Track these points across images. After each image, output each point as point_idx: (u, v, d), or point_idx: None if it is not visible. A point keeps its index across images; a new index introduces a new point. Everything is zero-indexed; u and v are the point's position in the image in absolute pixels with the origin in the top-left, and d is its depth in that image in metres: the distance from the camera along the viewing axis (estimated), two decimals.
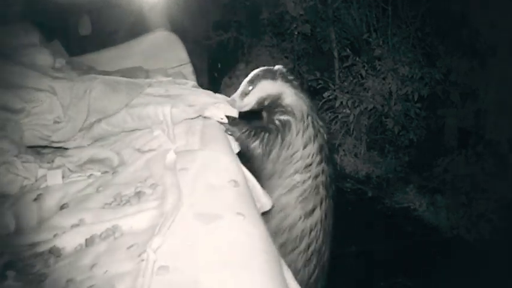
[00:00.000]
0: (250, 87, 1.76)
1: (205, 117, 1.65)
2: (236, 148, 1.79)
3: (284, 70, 1.83)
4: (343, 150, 3.89)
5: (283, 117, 1.79)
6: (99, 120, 1.55)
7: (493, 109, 3.15)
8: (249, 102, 1.76)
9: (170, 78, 2.07)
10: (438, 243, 2.79)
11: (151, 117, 1.50)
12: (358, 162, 3.80)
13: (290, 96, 1.80)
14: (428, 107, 3.68)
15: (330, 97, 3.89)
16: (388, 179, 3.59)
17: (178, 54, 2.73)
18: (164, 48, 2.71)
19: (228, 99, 1.79)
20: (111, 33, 3.25)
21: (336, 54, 4.24)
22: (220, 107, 1.65)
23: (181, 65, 2.72)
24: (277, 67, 1.83)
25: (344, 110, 3.83)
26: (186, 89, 1.77)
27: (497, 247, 2.58)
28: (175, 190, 1.08)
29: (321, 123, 1.87)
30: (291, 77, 1.83)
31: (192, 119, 1.59)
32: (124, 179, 1.26)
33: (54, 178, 1.29)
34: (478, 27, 3.16)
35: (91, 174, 1.34)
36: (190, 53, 2.91)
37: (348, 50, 3.88)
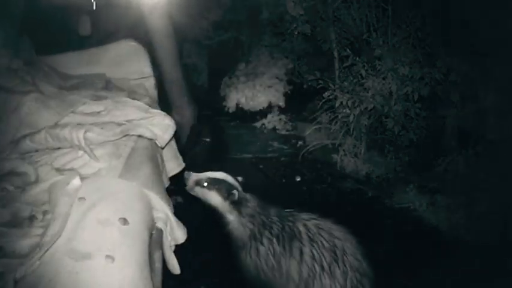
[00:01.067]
0: (205, 184, 1.80)
1: (139, 136, 1.64)
2: (176, 168, 1.79)
3: (236, 197, 1.83)
4: (343, 150, 3.89)
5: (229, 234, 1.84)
6: (24, 136, 1.56)
7: (493, 109, 3.15)
8: (197, 194, 1.82)
9: (125, 93, 2.06)
10: (438, 243, 2.78)
11: (68, 140, 1.50)
12: (358, 162, 3.80)
13: (233, 223, 1.83)
14: (428, 107, 3.67)
15: (330, 97, 3.89)
16: (388, 179, 3.58)
17: (142, 66, 2.74)
18: (129, 59, 2.72)
19: (163, 113, 1.79)
20: (111, 33, 3.25)
21: (336, 54, 4.24)
22: (153, 123, 1.64)
23: (143, 77, 2.73)
24: (234, 190, 1.84)
25: (344, 110, 3.82)
26: (119, 107, 1.75)
27: (497, 247, 2.57)
28: (60, 221, 1.07)
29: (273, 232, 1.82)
30: (243, 206, 1.84)
31: (117, 139, 1.59)
32: (27, 198, 1.27)
33: None
34: (478, 27, 3.15)
35: (4, 188, 1.32)
36: (190, 53, 2.91)
37: (348, 50, 3.87)
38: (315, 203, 3.27)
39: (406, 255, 2.61)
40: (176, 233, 1.44)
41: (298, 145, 4.52)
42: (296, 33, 4.45)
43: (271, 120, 5.17)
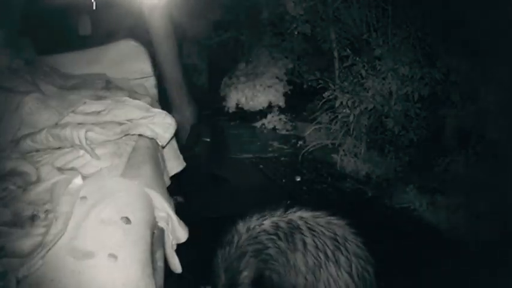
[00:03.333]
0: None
1: (139, 136, 1.64)
2: (177, 167, 1.78)
3: None
4: (343, 150, 3.89)
5: None
6: (25, 136, 1.56)
7: (493, 109, 3.14)
8: None
9: (125, 92, 2.06)
10: (438, 243, 2.78)
11: (69, 140, 1.50)
12: (358, 162, 3.80)
13: None
14: (428, 107, 3.67)
15: (330, 97, 3.89)
16: (388, 179, 3.58)
17: (142, 66, 2.74)
18: (129, 59, 2.72)
19: (164, 112, 1.78)
20: (111, 33, 3.25)
21: (336, 54, 4.24)
22: (154, 122, 1.64)
23: (144, 77, 2.73)
24: None
25: (344, 110, 3.82)
26: (120, 106, 1.75)
27: (497, 247, 2.57)
28: (62, 220, 1.07)
29: None
30: None
31: (117, 139, 1.59)
32: (29, 198, 1.26)
33: None
34: (478, 27, 3.15)
35: (6, 188, 1.32)
36: (190, 53, 2.91)
37: (348, 50, 3.87)
38: (315, 203, 3.26)
39: (406, 255, 2.61)
40: (178, 232, 1.44)
41: (298, 145, 4.52)
42: (296, 33, 4.46)
43: (271, 120, 5.17)
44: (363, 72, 3.72)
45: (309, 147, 4.11)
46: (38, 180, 1.36)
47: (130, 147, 1.57)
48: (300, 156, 4.06)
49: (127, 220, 1.15)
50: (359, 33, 3.98)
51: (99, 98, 1.85)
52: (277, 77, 5.27)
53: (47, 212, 1.16)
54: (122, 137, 1.59)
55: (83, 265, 0.95)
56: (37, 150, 1.55)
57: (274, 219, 1.88)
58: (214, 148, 4.16)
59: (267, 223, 1.87)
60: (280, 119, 5.17)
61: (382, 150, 3.85)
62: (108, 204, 1.19)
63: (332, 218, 1.85)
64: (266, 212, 1.93)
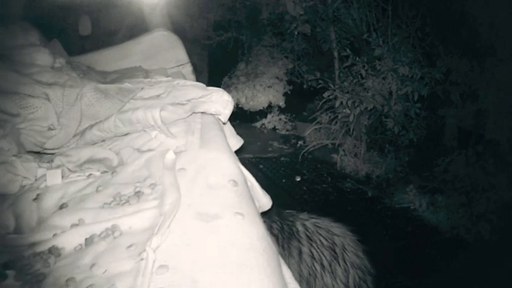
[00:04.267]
0: None
1: (202, 113, 1.64)
2: (236, 145, 1.78)
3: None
4: (343, 150, 3.90)
5: None
6: (90, 127, 1.55)
7: (493, 109, 3.15)
8: None
9: (169, 78, 2.06)
10: (438, 243, 2.78)
11: (142, 122, 1.49)
12: (358, 162, 3.80)
13: None
14: (428, 107, 3.68)
15: (330, 97, 3.89)
16: (388, 179, 3.59)
17: (177, 54, 2.73)
18: (163, 48, 2.71)
19: (221, 90, 1.78)
20: (111, 33, 3.26)
21: (336, 54, 4.25)
22: (212, 100, 1.64)
23: (180, 65, 2.73)
24: None
25: (344, 110, 3.83)
26: (178, 88, 1.76)
27: (497, 247, 2.58)
28: (174, 190, 1.07)
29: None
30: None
31: (187, 116, 1.59)
32: (123, 178, 1.26)
33: (54, 178, 1.29)
34: (478, 27, 3.15)
35: (90, 174, 1.33)
36: (190, 53, 2.91)
37: (348, 50, 3.88)
38: (315, 203, 3.27)
39: (406, 255, 2.61)
40: (262, 200, 1.43)
41: (298, 145, 4.52)
42: (296, 33, 4.46)
43: (271, 120, 5.17)
44: (363, 72, 3.72)
45: (309, 147, 4.11)
46: (121, 163, 1.36)
47: (199, 124, 1.57)
48: (300, 156, 4.06)
49: (234, 183, 1.16)
50: (359, 33, 3.98)
51: (153, 83, 1.84)
52: (277, 77, 5.27)
53: (152, 186, 1.16)
54: (189, 116, 1.59)
55: (216, 226, 0.96)
56: (103, 140, 1.55)
57: (277, 218, 1.88)
58: None
59: (268, 222, 1.87)
60: (280, 119, 5.18)
61: (382, 150, 3.86)
62: (211, 171, 1.20)
63: (334, 225, 1.84)
64: (273, 211, 1.93)
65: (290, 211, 1.95)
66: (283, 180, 3.70)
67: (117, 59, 2.58)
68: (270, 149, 4.48)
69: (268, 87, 5.21)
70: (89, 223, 1.04)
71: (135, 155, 1.39)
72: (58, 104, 1.59)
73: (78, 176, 1.33)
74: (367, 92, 3.68)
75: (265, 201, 1.45)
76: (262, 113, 5.30)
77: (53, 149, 1.53)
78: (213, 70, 5.96)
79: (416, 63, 3.58)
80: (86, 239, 0.98)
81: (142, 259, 0.83)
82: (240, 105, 5.31)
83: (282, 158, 4.21)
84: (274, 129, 5.09)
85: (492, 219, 2.75)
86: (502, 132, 3.01)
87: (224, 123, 1.83)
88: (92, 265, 0.88)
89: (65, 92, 1.61)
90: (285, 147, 4.54)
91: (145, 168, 1.28)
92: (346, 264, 1.73)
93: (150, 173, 1.25)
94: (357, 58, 3.79)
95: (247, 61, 5.52)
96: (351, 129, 3.82)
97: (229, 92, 5.29)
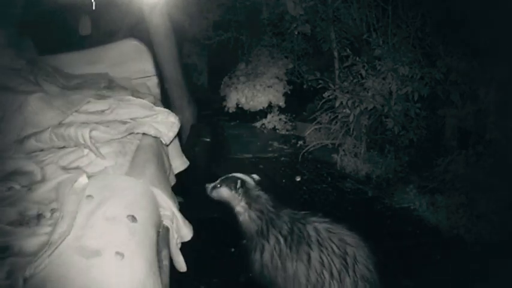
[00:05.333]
0: (218, 185, 1.96)
1: (144, 134, 1.64)
2: (181, 166, 1.79)
3: (239, 185, 1.93)
4: (343, 150, 3.89)
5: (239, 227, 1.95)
6: (29, 136, 1.55)
7: (493, 109, 3.15)
8: (214, 196, 1.99)
9: (128, 91, 2.06)
10: (438, 243, 2.78)
11: (73, 139, 1.50)
12: (358, 162, 3.80)
13: (242, 215, 1.92)
14: (428, 107, 3.68)
15: (330, 97, 3.89)
16: (388, 179, 3.58)
17: (144, 65, 2.74)
18: (131, 58, 2.72)
19: (167, 111, 1.79)
20: (111, 33, 3.26)
21: (336, 54, 4.25)
22: (157, 121, 1.64)
23: (146, 76, 2.73)
24: (239, 180, 1.94)
25: (344, 110, 3.82)
26: (122, 105, 1.75)
27: (497, 247, 2.57)
28: (68, 220, 1.07)
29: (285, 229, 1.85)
30: (253, 200, 1.91)
31: (122, 137, 1.58)
32: (34, 197, 1.26)
33: None
34: (478, 27, 3.15)
35: (11, 187, 1.32)
36: (190, 53, 2.91)
37: (348, 50, 3.87)
38: (315, 203, 3.27)
39: (406, 255, 2.61)
40: (182, 231, 1.44)
41: (298, 145, 4.52)
42: (296, 33, 4.46)
43: (271, 120, 5.17)
44: (363, 72, 3.72)
45: (309, 147, 4.11)
46: (43, 180, 1.36)
47: (135, 146, 1.57)
48: (300, 156, 4.06)
49: (133, 218, 1.15)
50: (359, 33, 3.98)
51: (102, 97, 1.84)
52: (277, 77, 5.27)
53: (52, 210, 1.16)
54: (126, 136, 1.59)
55: (90, 263, 0.95)
56: (41, 150, 1.55)
57: (287, 219, 1.87)
58: (214, 148, 4.15)
59: (286, 219, 1.88)
60: (280, 119, 5.17)
61: (382, 150, 3.85)
62: (114, 203, 1.19)
63: (347, 233, 1.82)
64: (284, 211, 1.94)
65: (304, 212, 1.94)
66: (283, 180, 3.70)
67: (85, 63, 2.58)
68: (270, 149, 4.48)
69: (268, 87, 5.21)
70: None
71: (57, 173, 1.40)
72: (3, 108, 1.59)
73: (1, 186, 1.33)
74: (367, 92, 3.68)
75: (185, 233, 1.45)
76: (262, 113, 5.29)
77: None
78: (213, 70, 5.96)
79: (416, 63, 3.58)
80: None
81: (12, 287, 0.83)
82: (240, 105, 5.31)
83: (282, 158, 4.21)
84: (274, 129, 5.08)
85: (492, 219, 2.75)
86: (502, 132, 3.01)
87: (167, 145, 1.84)
88: None
89: (10, 98, 1.61)
90: (285, 147, 4.54)
91: (55, 191, 1.27)
92: (356, 276, 1.70)
93: (57, 196, 1.25)
94: (357, 58, 3.79)
95: (247, 61, 5.52)
96: (351, 129, 3.82)
97: (229, 92, 5.30)
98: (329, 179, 3.70)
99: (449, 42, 3.46)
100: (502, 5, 2.89)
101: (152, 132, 1.61)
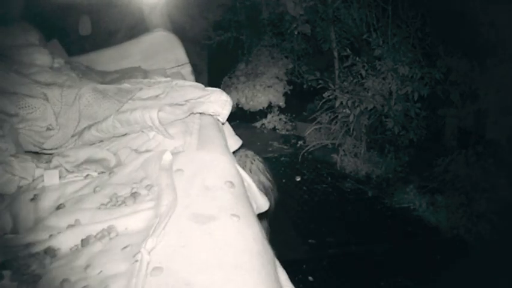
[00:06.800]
0: None
1: (201, 114, 1.64)
2: (235, 145, 1.78)
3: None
4: (343, 150, 3.89)
5: None
6: (89, 127, 1.55)
7: (493, 109, 3.14)
8: None
9: (168, 79, 2.06)
10: (438, 243, 2.78)
11: (139, 123, 1.49)
12: (358, 162, 3.80)
13: None
14: (428, 107, 3.67)
15: (330, 97, 3.89)
16: (388, 179, 3.58)
17: (177, 54, 2.74)
18: (163, 49, 2.72)
19: (219, 90, 1.78)
20: (111, 33, 3.26)
21: (336, 54, 4.25)
22: (210, 100, 1.63)
23: (179, 65, 2.73)
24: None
25: (344, 110, 3.82)
26: (176, 88, 1.76)
27: (497, 247, 2.57)
28: (171, 191, 1.07)
29: None
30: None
31: (185, 117, 1.58)
32: (120, 179, 1.26)
33: (51, 178, 1.29)
34: (478, 27, 3.15)
35: (88, 175, 1.33)
36: (190, 53, 2.91)
37: (348, 50, 3.87)
38: (315, 203, 3.27)
39: (406, 255, 2.61)
40: (259, 201, 1.43)
41: (298, 145, 4.52)
42: (296, 33, 4.46)
43: (271, 120, 5.17)
44: (363, 72, 3.72)
45: (309, 147, 4.11)
46: (119, 164, 1.36)
47: (198, 125, 1.57)
48: (300, 156, 4.06)
49: (231, 184, 1.16)
50: (359, 33, 3.98)
51: (152, 84, 1.84)
52: (277, 77, 5.27)
53: (148, 187, 1.16)
54: (187, 116, 1.59)
55: (211, 227, 0.95)
56: (101, 141, 1.55)
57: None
58: None
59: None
60: (280, 119, 5.17)
61: (382, 150, 3.85)
62: (208, 172, 1.20)
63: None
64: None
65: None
66: (283, 180, 3.70)
67: (117, 59, 2.58)
68: (270, 149, 4.48)
69: (268, 87, 5.21)
70: (85, 224, 1.04)
71: (132, 155, 1.39)
72: (56, 104, 1.59)
73: (76, 176, 1.33)
74: (367, 92, 3.68)
75: (262, 203, 1.44)
76: (262, 113, 5.30)
77: (51, 149, 1.53)
78: (213, 70, 5.95)
79: (416, 63, 3.58)
80: (82, 240, 0.98)
81: (136, 261, 0.83)
82: (240, 105, 5.31)
83: (282, 158, 4.21)
84: (274, 129, 5.08)
85: (492, 219, 2.75)
86: (502, 132, 3.01)
87: (223, 123, 1.83)
88: (87, 266, 0.88)
89: (63, 92, 1.61)
90: (285, 147, 4.54)
91: (142, 169, 1.28)
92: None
93: (146, 174, 1.25)
94: (357, 58, 3.79)
95: (247, 61, 5.52)
96: (351, 129, 3.82)
97: (229, 92, 5.30)
98: (329, 179, 3.70)
99: (449, 42, 3.45)
100: (502, 5, 2.89)
101: (211, 110, 1.61)
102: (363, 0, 3.89)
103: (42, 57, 1.89)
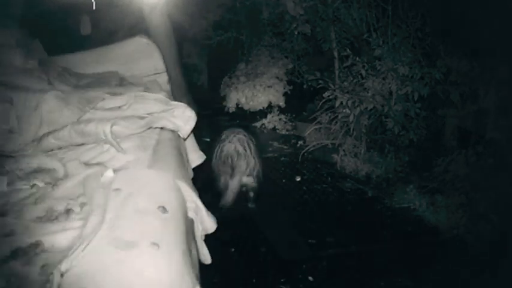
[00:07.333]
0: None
1: (161, 129, 1.64)
2: (197, 160, 1.78)
3: None
4: (343, 150, 3.89)
5: None
6: (48, 134, 1.55)
7: (493, 109, 3.14)
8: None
9: (141, 88, 2.06)
10: (438, 243, 2.78)
11: (93, 135, 1.49)
12: (358, 162, 3.80)
13: None
14: (428, 107, 3.68)
15: (330, 97, 3.89)
16: (388, 179, 3.58)
17: (154, 62, 2.74)
18: (141, 56, 2.71)
19: (184, 105, 1.77)
20: (111, 33, 3.25)
21: (336, 54, 4.25)
22: (173, 115, 1.63)
23: (156, 73, 2.73)
24: None
25: (344, 110, 3.82)
26: (139, 100, 1.75)
27: (497, 247, 2.57)
28: (99, 212, 1.06)
29: None
30: None
31: (142, 132, 1.58)
32: (60, 193, 1.26)
33: None
34: (478, 27, 3.15)
35: (34, 184, 1.32)
36: (190, 53, 2.91)
37: (348, 50, 3.87)
38: (315, 203, 3.27)
39: (406, 255, 2.61)
40: (207, 223, 1.43)
41: (298, 145, 4.52)
42: (296, 33, 4.46)
43: (271, 120, 5.17)
44: (363, 72, 3.72)
45: (309, 147, 4.11)
46: (66, 176, 1.36)
47: (154, 140, 1.56)
48: (300, 156, 4.06)
49: (164, 209, 1.14)
50: (359, 33, 3.98)
51: (115, 94, 1.84)
52: (277, 77, 5.27)
53: (82, 204, 1.15)
54: (145, 131, 1.59)
55: (127, 254, 0.94)
56: (59, 148, 1.55)
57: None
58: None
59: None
60: (280, 119, 5.17)
61: (382, 150, 3.85)
62: (143, 195, 1.18)
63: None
64: None
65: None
66: (283, 180, 3.70)
67: (95, 62, 2.57)
68: (270, 149, 4.48)
69: (268, 87, 5.21)
70: (19, 235, 1.04)
71: (80, 169, 1.39)
72: (19, 108, 1.58)
73: (24, 184, 1.33)
74: (367, 92, 3.68)
75: (209, 225, 1.45)
76: (262, 113, 5.30)
77: (12, 152, 1.52)
78: (213, 70, 5.96)
79: (416, 63, 3.58)
80: (11, 251, 0.98)
81: (48, 281, 0.83)
82: (240, 105, 5.31)
83: (282, 158, 4.21)
84: (274, 129, 5.09)
85: (492, 219, 2.75)
86: (502, 132, 3.01)
87: (184, 139, 1.83)
88: (7, 281, 0.88)
89: (28, 96, 1.60)
90: (285, 147, 4.54)
91: (82, 186, 1.27)
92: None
93: (85, 190, 1.24)
94: (357, 58, 3.79)
95: (247, 61, 5.52)
96: (351, 129, 3.82)
97: (229, 92, 5.30)
98: (329, 179, 3.70)
99: (449, 42, 3.46)
100: (502, 5, 2.89)
101: (171, 126, 1.61)
102: (363, 0, 3.89)
103: (13, 58, 1.89)
